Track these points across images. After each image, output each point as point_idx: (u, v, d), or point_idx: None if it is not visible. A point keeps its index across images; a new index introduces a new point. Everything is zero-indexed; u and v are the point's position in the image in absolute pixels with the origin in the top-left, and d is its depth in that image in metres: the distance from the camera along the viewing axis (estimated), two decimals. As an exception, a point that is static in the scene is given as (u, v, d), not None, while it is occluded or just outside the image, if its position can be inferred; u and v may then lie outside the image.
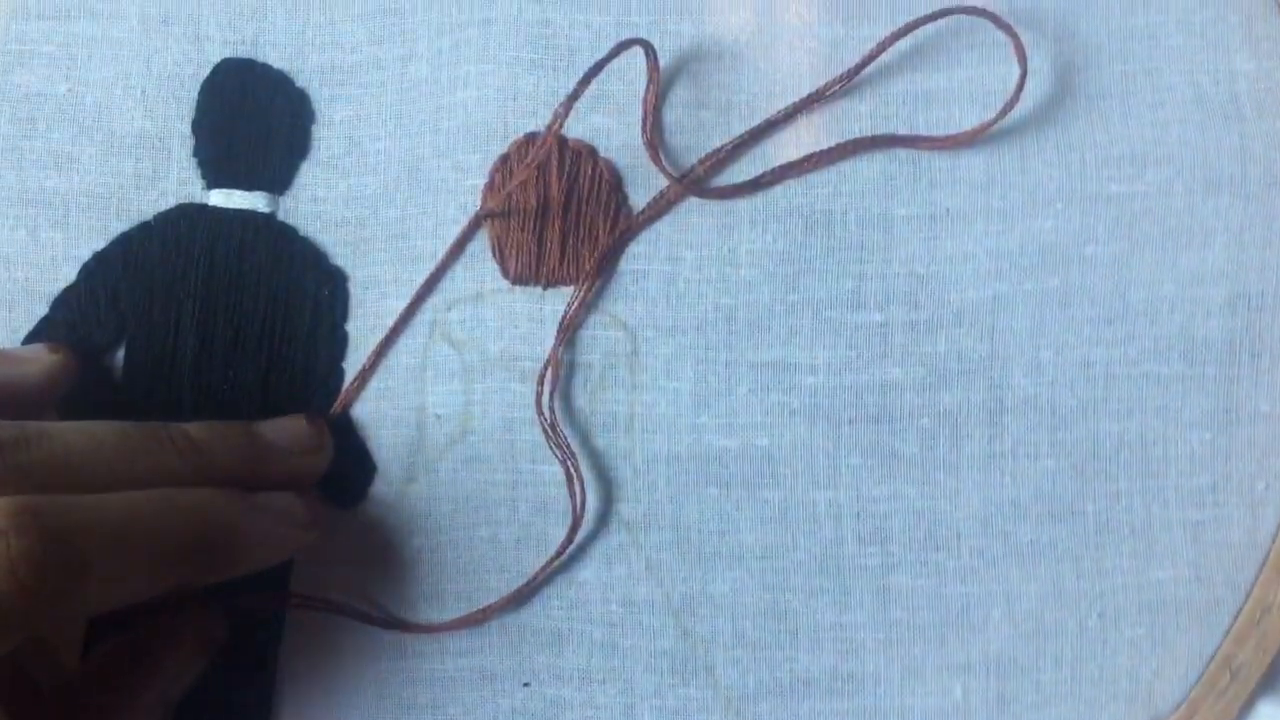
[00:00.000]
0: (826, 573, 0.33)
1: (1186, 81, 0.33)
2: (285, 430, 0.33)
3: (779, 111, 0.34)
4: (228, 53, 0.35)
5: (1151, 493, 0.33)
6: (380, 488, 0.34)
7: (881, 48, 0.33)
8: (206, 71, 0.35)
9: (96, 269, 0.35)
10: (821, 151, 0.33)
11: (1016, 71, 0.32)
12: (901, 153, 0.34)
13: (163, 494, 0.29)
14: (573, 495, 0.33)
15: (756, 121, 0.34)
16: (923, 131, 0.33)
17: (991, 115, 0.33)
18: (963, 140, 0.33)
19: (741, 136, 0.34)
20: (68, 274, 0.35)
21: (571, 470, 0.33)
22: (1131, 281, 0.33)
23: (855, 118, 0.34)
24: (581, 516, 0.33)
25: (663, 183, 0.34)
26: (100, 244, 0.35)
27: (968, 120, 0.33)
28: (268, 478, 0.32)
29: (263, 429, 0.33)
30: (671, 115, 0.34)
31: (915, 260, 0.33)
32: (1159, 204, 0.33)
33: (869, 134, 0.34)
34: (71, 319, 0.35)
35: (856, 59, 0.33)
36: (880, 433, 0.33)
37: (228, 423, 0.33)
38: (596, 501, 0.34)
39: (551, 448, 0.33)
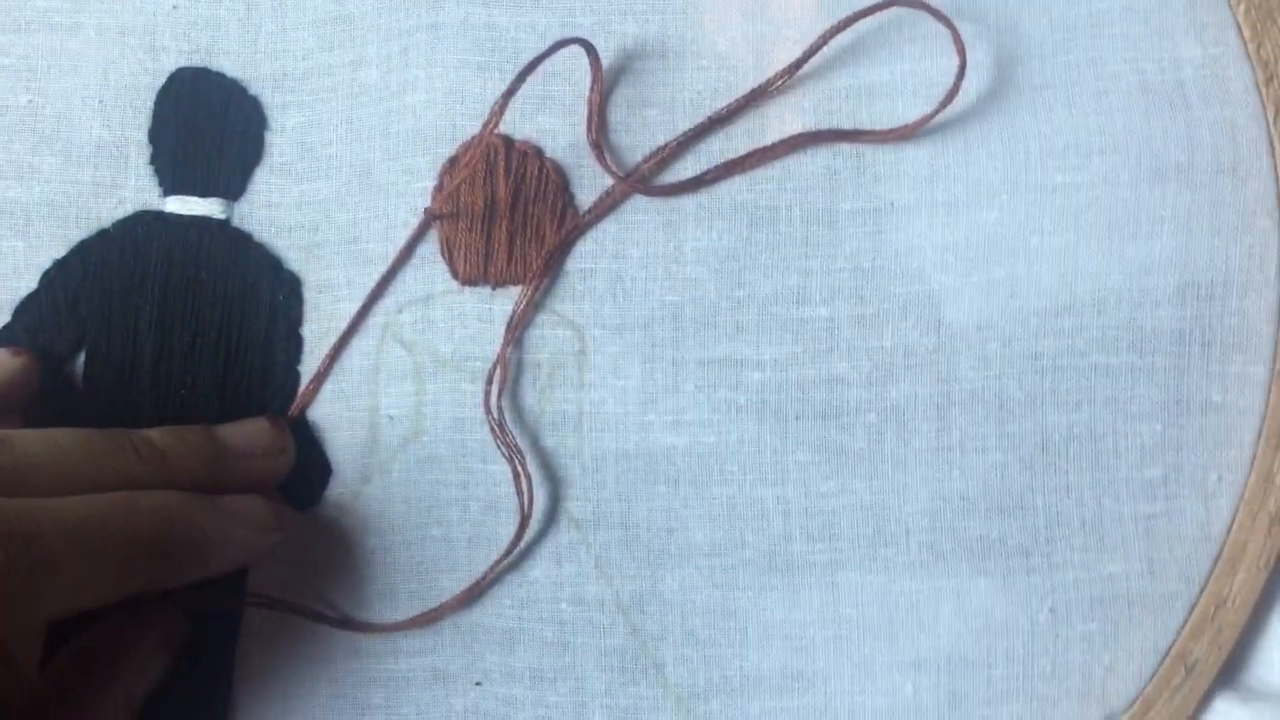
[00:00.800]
0: (775, 570, 0.33)
1: (1131, 69, 0.33)
2: (247, 433, 0.34)
3: (722, 108, 0.34)
4: (183, 62, 0.36)
5: (1102, 486, 0.32)
6: (335, 489, 0.35)
7: (823, 40, 0.33)
8: (162, 81, 0.36)
9: (56, 276, 0.36)
10: (765, 147, 0.33)
11: (957, 64, 0.32)
12: (845, 147, 0.33)
13: (126, 496, 0.29)
14: (520, 494, 0.33)
15: (700, 119, 0.34)
16: (865, 126, 0.33)
17: (932, 109, 0.33)
18: (904, 134, 0.33)
19: (686, 134, 0.34)
20: (29, 282, 0.36)
21: (519, 468, 0.33)
22: (1079, 272, 0.32)
23: (799, 112, 0.34)
24: (529, 515, 0.33)
25: (609, 182, 0.34)
26: (60, 252, 0.36)
27: (910, 114, 0.33)
28: (230, 480, 0.33)
29: (224, 432, 0.33)
30: (616, 114, 0.34)
31: (860, 255, 0.33)
32: (1105, 193, 0.32)
33: (812, 129, 0.33)
34: (32, 326, 0.35)
35: (797, 54, 0.33)
36: (828, 428, 0.33)
37: (189, 427, 0.33)
38: (545, 500, 0.34)
39: (499, 446, 0.33)
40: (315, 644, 0.34)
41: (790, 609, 0.33)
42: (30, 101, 0.36)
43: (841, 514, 0.33)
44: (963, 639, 0.33)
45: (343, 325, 0.35)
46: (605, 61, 0.34)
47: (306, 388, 0.35)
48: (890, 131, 0.33)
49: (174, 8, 0.36)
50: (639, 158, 0.34)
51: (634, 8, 0.34)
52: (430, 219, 0.34)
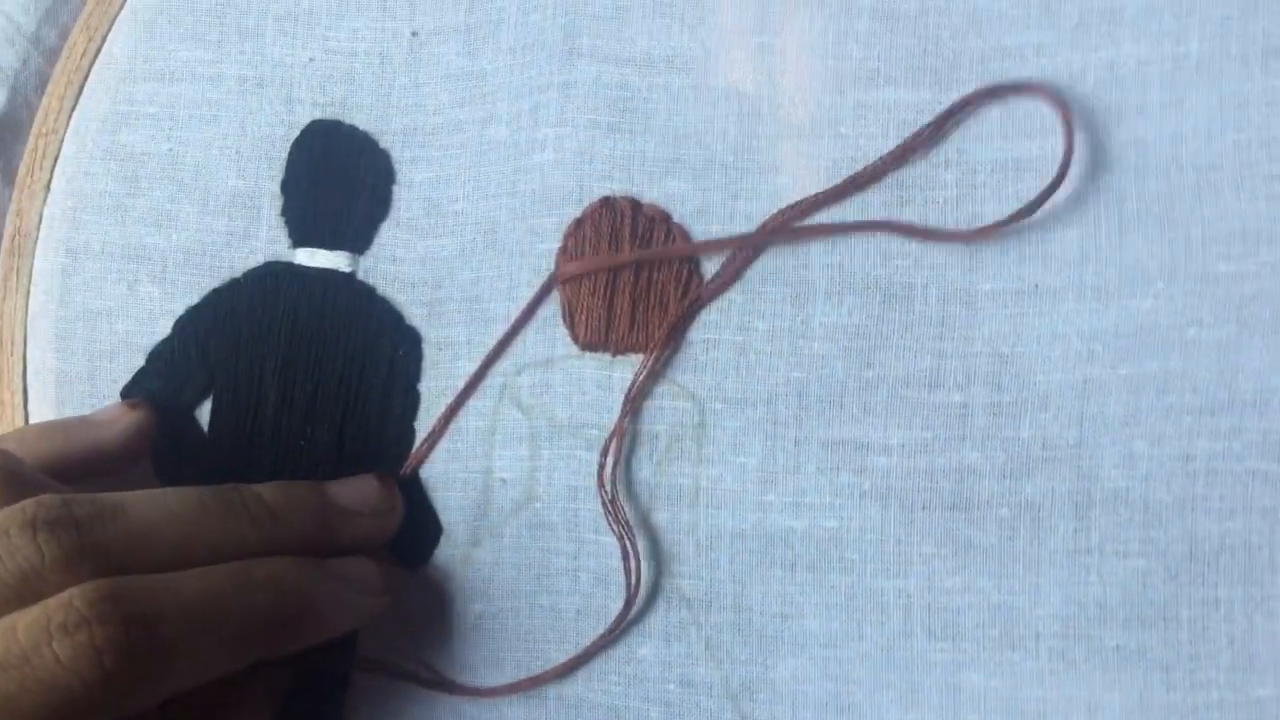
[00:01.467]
0: (893, 666, 0.32)
1: (1308, 152, 0.30)
2: (356, 491, 0.34)
3: (859, 171, 0.32)
4: (317, 114, 0.36)
5: (1254, 601, 0.30)
6: (445, 550, 0.34)
7: (954, 110, 0.31)
8: (296, 133, 0.36)
9: (189, 323, 0.36)
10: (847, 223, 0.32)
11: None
12: (988, 222, 0.32)
13: (241, 569, 0.29)
14: (628, 572, 0.32)
15: (826, 186, 0.32)
16: (1009, 201, 0.31)
17: (1087, 187, 0.31)
18: (979, 237, 0.31)
19: (818, 195, 0.32)
20: (164, 328, 0.36)
21: (629, 546, 0.32)
22: (1239, 369, 0.30)
23: (940, 186, 0.32)
24: (636, 594, 0.33)
25: (738, 252, 0.33)
26: (194, 299, 0.36)
27: (1061, 193, 0.31)
28: (339, 539, 0.33)
29: (334, 490, 0.33)
30: (746, 181, 0.33)
31: (999, 339, 0.31)
32: (1273, 286, 0.30)
33: (953, 203, 0.32)
34: (164, 371, 0.36)
35: (923, 124, 0.32)
36: (956, 520, 0.31)
37: (299, 483, 0.33)
38: (657, 576, 0.33)
39: (610, 523, 0.33)
40: (420, 708, 0.34)
41: (906, 709, 0.31)
42: (171, 150, 0.37)
43: (967, 612, 0.31)
44: (1093, 755, 0.30)
45: (460, 384, 0.35)
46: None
47: (421, 445, 0.35)
48: (965, 233, 0.31)
49: (310, 60, 0.36)
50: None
51: (767, 68, 0.33)
52: (554, 282, 0.34)
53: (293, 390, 0.35)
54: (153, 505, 0.29)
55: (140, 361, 0.36)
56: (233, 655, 0.28)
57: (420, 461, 0.35)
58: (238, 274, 0.36)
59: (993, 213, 0.32)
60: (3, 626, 0.26)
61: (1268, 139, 0.30)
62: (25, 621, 0.25)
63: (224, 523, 0.30)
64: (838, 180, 0.33)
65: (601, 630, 0.33)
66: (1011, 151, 0.32)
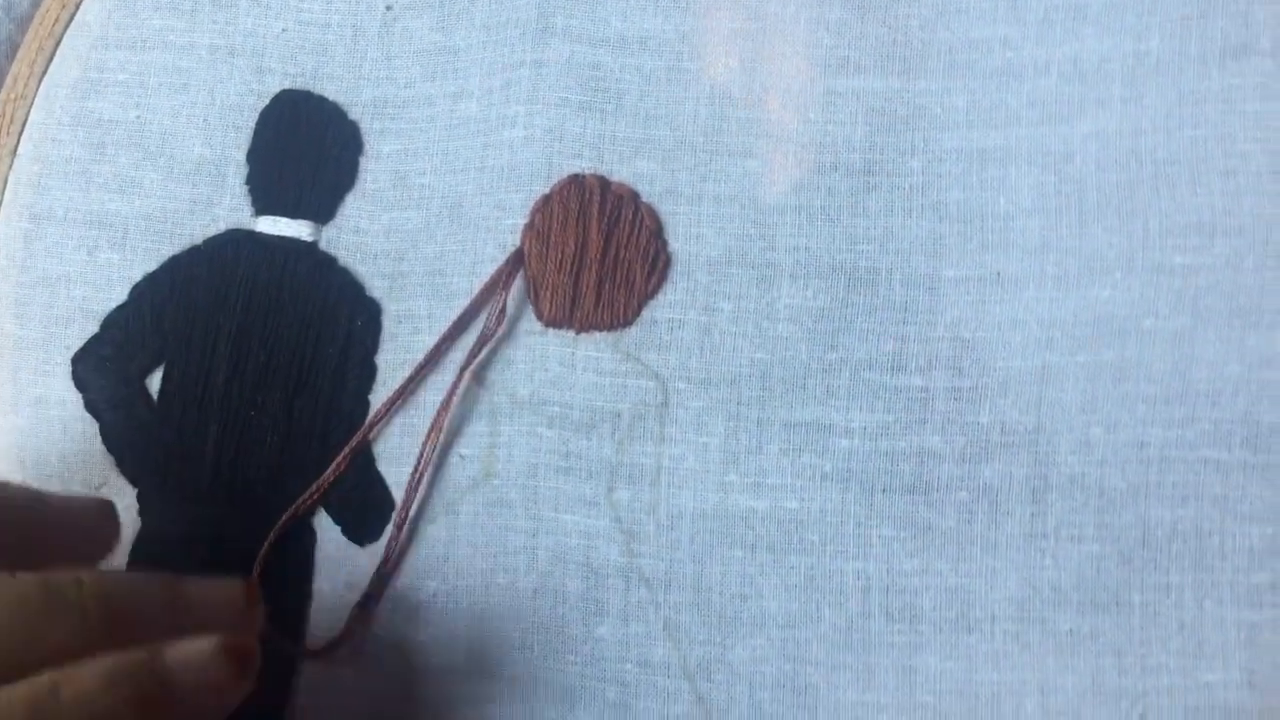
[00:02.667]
0: (851, 648, 0.32)
1: (1262, 149, 0.31)
2: (215, 592, 0.29)
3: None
4: (287, 84, 0.36)
5: (1204, 587, 0.30)
6: (396, 525, 0.34)
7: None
8: (266, 102, 0.36)
9: (145, 290, 0.36)
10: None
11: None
12: (953, 210, 0.32)
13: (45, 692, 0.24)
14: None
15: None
16: (974, 190, 0.32)
17: (1050, 178, 0.31)
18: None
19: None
20: (121, 294, 0.36)
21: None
22: (1194, 359, 0.31)
23: (906, 173, 0.33)
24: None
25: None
26: (153, 266, 0.36)
27: (1024, 184, 0.32)
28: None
29: (189, 587, 0.28)
30: (715, 163, 0.33)
31: (961, 325, 0.32)
32: (1227, 278, 0.31)
33: (919, 190, 0.32)
34: (117, 337, 0.35)
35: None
36: (915, 503, 0.32)
37: (148, 575, 0.28)
38: (618, 555, 0.33)
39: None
40: (369, 688, 0.33)
41: (863, 690, 0.31)
42: (139, 117, 0.36)
43: (924, 594, 0.31)
44: (1045, 738, 0.31)
45: (418, 357, 0.34)
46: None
47: (373, 416, 0.34)
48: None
49: (283, 31, 0.36)
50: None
51: (741, 50, 0.34)
52: (519, 257, 0.34)
53: (245, 359, 0.35)
54: None
55: (95, 328, 0.36)
56: None
57: (372, 434, 0.34)
58: (198, 241, 0.36)
59: (957, 200, 0.32)
60: None
61: (1223, 135, 0.31)
62: None
63: (45, 621, 0.25)
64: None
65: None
66: (977, 141, 0.32)
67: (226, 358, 0.35)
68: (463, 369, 0.33)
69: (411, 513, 0.33)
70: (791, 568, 0.32)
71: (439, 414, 0.33)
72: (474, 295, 0.34)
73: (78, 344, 0.36)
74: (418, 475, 0.33)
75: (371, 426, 0.34)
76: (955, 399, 0.32)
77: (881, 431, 0.32)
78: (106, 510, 0.30)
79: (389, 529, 0.34)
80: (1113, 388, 0.31)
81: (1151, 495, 0.31)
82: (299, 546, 0.34)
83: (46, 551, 0.27)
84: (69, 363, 0.36)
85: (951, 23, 0.33)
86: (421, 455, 0.33)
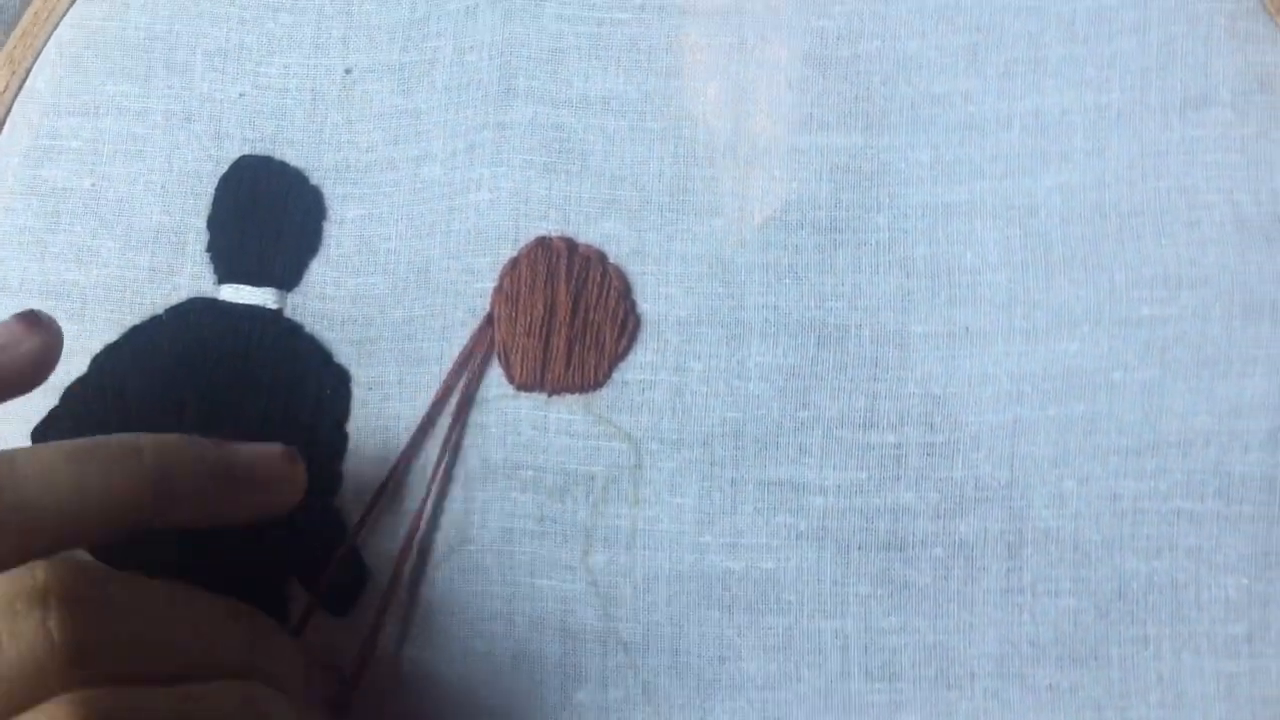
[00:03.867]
0: (831, 709, 0.31)
1: (1225, 200, 0.31)
2: (262, 458, 0.32)
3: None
4: (246, 150, 0.36)
5: (1182, 639, 0.30)
6: (372, 595, 0.34)
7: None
8: (225, 168, 0.36)
9: (106, 361, 0.35)
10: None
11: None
12: (920, 266, 0.32)
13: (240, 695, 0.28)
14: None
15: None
16: (941, 246, 0.32)
17: (1015, 232, 0.31)
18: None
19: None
20: (81, 366, 0.35)
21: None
22: (1163, 411, 0.31)
23: (872, 229, 0.33)
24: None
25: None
26: (113, 336, 0.35)
27: (990, 238, 0.32)
28: (230, 506, 0.31)
29: (239, 454, 0.31)
30: (682, 223, 0.33)
31: (931, 380, 0.32)
32: (1194, 329, 0.31)
33: (886, 245, 0.32)
34: (78, 410, 0.35)
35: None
36: (891, 560, 0.32)
37: (199, 439, 0.31)
38: (595, 619, 0.33)
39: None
40: None
41: (845, 751, 0.31)
42: (94, 185, 0.36)
43: (903, 653, 0.31)
44: (1028, 794, 0.31)
45: (389, 424, 0.34)
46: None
47: (372, 500, 0.34)
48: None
49: (240, 95, 0.36)
50: (705, 268, 0.33)
51: (704, 111, 0.33)
52: (490, 322, 0.34)
53: (212, 430, 0.34)
54: (37, 473, 0.27)
55: (54, 401, 0.35)
56: None
57: (370, 519, 0.34)
58: (159, 311, 0.35)
59: (924, 255, 0.32)
60: None
61: (1185, 186, 0.31)
62: None
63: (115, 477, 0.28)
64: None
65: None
66: (942, 196, 0.32)
67: (194, 429, 0.34)
68: (446, 440, 0.33)
69: (400, 587, 0.33)
70: (769, 628, 0.32)
71: (429, 489, 0.33)
72: (445, 360, 0.34)
73: (38, 417, 0.35)
74: (404, 551, 0.33)
75: (371, 508, 0.33)
76: (928, 454, 0.32)
77: (856, 489, 0.32)
78: (290, 455, 0.32)
79: (370, 597, 0.33)
80: (1084, 440, 0.31)
81: (1126, 548, 0.31)
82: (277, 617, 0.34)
83: (238, 503, 0.31)
84: (28, 436, 0.35)
85: (913, 77, 0.33)
86: (410, 534, 0.33)
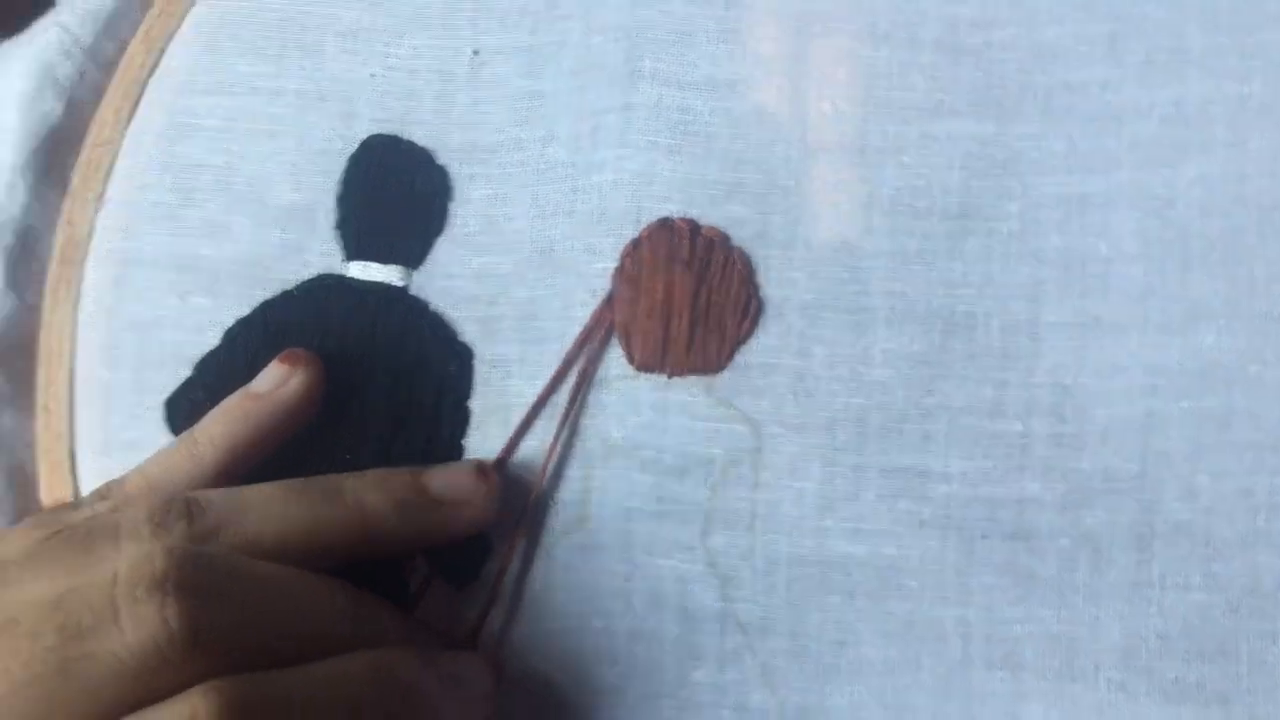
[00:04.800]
0: (952, 696, 0.31)
1: (1371, 194, 0.30)
2: (454, 481, 0.33)
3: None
4: (376, 129, 0.36)
5: (1315, 638, 0.30)
6: (491, 569, 0.34)
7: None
8: (355, 147, 0.36)
9: (238, 335, 0.36)
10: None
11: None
12: (1052, 256, 0.32)
13: (367, 665, 0.28)
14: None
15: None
16: (1075, 238, 0.32)
17: (1152, 223, 0.31)
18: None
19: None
20: (213, 339, 0.36)
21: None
22: (1301, 407, 0.30)
23: (1004, 218, 0.32)
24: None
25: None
26: (245, 311, 0.36)
27: (1126, 228, 0.31)
28: (429, 532, 0.32)
29: (432, 481, 0.33)
30: (808, 207, 0.33)
31: (1062, 370, 0.32)
32: (1336, 324, 0.30)
33: (1017, 235, 0.32)
34: (210, 382, 0.36)
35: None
36: (1016, 550, 0.31)
37: (395, 472, 0.33)
38: (713, 600, 0.33)
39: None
40: None
41: (965, 739, 0.31)
42: (227, 162, 0.36)
43: (1026, 643, 0.31)
44: (1152, 789, 0.30)
45: (512, 401, 0.34)
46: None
47: (499, 456, 0.34)
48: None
49: (371, 76, 0.36)
50: (830, 253, 0.33)
51: (833, 92, 0.33)
52: (611, 302, 0.34)
53: (340, 403, 0.35)
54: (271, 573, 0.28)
55: (188, 372, 0.36)
56: None
57: (505, 459, 0.34)
58: (290, 286, 0.36)
59: (1056, 246, 0.32)
60: None
61: (1329, 180, 0.31)
62: None
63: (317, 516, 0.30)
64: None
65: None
66: (1077, 186, 0.32)
67: (322, 401, 0.35)
68: (565, 417, 0.34)
69: (513, 562, 0.34)
70: (890, 614, 0.32)
71: (546, 462, 0.33)
72: (566, 339, 0.34)
73: (171, 388, 0.36)
74: (522, 526, 0.33)
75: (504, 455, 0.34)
76: (1056, 445, 0.31)
77: (980, 478, 0.32)
78: (481, 470, 0.33)
79: (488, 570, 0.34)
80: (1218, 435, 0.31)
81: (1260, 544, 0.30)
82: (396, 588, 0.34)
83: (433, 527, 0.32)
84: (162, 406, 0.36)
85: (1048, 65, 0.32)
86: (526, 503, 0.33)
